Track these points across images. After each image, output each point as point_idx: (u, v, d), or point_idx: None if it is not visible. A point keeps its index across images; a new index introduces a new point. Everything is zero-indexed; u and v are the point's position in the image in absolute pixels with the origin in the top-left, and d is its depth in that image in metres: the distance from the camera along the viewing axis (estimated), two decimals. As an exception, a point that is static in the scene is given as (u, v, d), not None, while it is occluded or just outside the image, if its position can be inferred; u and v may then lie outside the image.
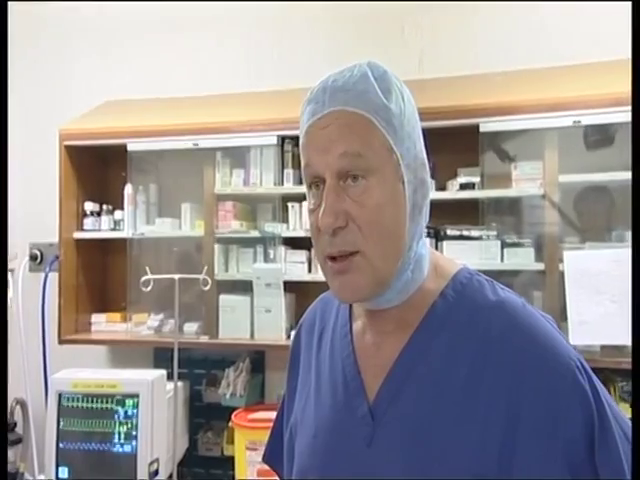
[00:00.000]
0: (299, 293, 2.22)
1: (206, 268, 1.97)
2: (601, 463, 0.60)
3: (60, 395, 1.89)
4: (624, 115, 1.75)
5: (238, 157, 2.19)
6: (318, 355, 0.83)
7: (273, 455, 0.95)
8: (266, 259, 2.15)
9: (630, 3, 1.82)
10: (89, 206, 2.36)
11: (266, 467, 1.86)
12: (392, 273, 0.68)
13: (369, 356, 0.74)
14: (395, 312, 0.73)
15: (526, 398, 0.62)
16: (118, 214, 2.35)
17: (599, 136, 1.91)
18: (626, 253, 1.75)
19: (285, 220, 2.15)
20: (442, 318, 0.70)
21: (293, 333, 2.09)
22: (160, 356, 2.38)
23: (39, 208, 2.50)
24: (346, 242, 0.66)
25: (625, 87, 1.77)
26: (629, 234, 1.83)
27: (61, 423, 1.88)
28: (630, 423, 0.65)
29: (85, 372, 1.95)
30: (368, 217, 0.65)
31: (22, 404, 2.26)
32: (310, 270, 2.13)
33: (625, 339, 1.71)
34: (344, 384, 0.75)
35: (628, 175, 1.78)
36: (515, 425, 0.62)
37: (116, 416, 1.84)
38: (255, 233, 2.16)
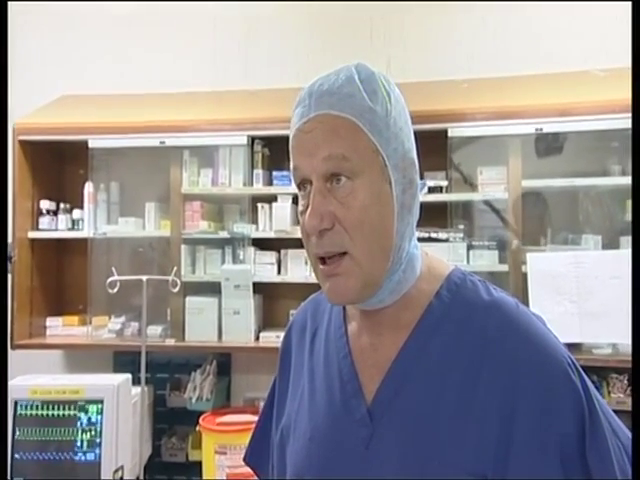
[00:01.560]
0: (268, 294, 2.21)
1: (175, 269, 1.92)
2: (591, 455, 0.63)
3: (16, 403, 1.78)
4: (583, 124, 1.85)
5: (206, 156, 2.15)
6: (311, 357, 0.82)
7: (254, 456, 0.93)
8: (235, 260, 2.12)
9: (600, 16, 1.92)
10: (45, 204, 2.25)
11: (236, 471, 1.85)
12: (381, 274, 0.69)
13: (366, 357, 0.74)
14: (391, 312, 0.73)
15: (521, 395, 0.64)
16: (76, 213, 2.25)
17: (549, 144, 2.02)
18: (583, 255, 1.85)
19: (254, 221, 2.13)
20: (438, 318, 0.71)
21: (262, 335, 2.10)
22: (120, 360, 2.30)
23: (-12, 206, 2.37)
24: (333, 243, 0.66)
25: (583, 97, 1.89)
26: (585, 237, 1.94)
27: (17, 433, 1.78)
28: (615, 416, 0.68)
29: (43, 378, 1.85)
30: (354, 218, 0.66)
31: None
32: (280, 271, 2.12)
33: (582, 337, 1.81)
34: (341, 386, 0.74)
35: (583, 181, 1.90)
36: (510, 421, 0.64)
37: (79, 423, 1.75)
38: (224, 234, 2.13)
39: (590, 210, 1.98)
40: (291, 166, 0.70)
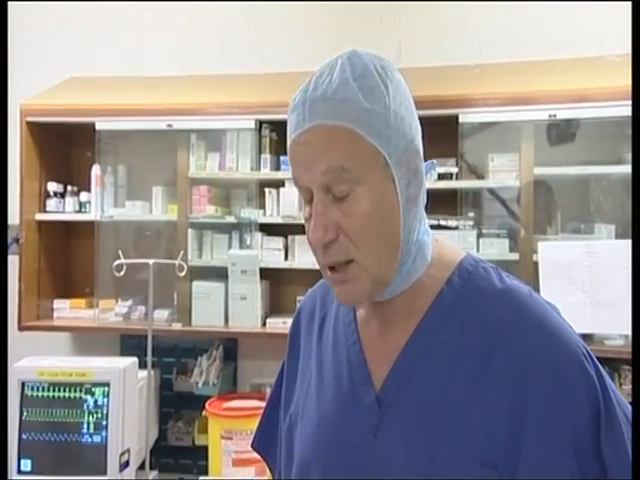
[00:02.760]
0: (275, 280, 2.20)
1: (182, 253, 1.92)
2: (606, 447, 0.61)
3: (23, 384, 1.79)
4: (597, 110, 1.81)
5: (214, 140, 2.13)
6: (319, 343, 0.81)
7: (262, 442, 0.92)
8: (242, 245, 2.11)
9: (624, 4, 1.87)
10: (52, 187, 2.25)
11: (242, 456, 1.85)
12: (391, 272, 0.68)
13: (375, 344, 0.73)
14: (401, 300, 0.72)
15: (534, 385, 0.63)
16: (84, 196, 2.25)
17: (562, 131, 1.97)
18: (595, 245, 1.82)
19: (262, 206, 2.11)
20: (449, 306, 0.70)
21: (269, 321, 2.09)
22: (127, 344, 2.31)
23: (-4, 188, 2.36)
24: (339, 253, 0.65)
25: (597, 83, 1.84)
26: (598, 226, 1.91)
27: (24, 413, 1.79)
28: (631, 407, 0.67)
29: (50, 360, 1.86)
30: (358, 228, 0.64)
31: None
32: (287, 257, 2.11)
33: (594, 328, 1.78)
34: (349, 373, 0.74)
35: (596, 169, 1.86)
36: (523, 411, 0.62)
37: (85, 405, 1.76)
38: (231, 219, 2.12)
39: (603, 199, 1.95)
40: (291, 174, 0.68)
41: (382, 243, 0.66)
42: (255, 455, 0.93)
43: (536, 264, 1.84)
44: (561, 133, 1.97)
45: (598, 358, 0.67)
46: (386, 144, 0.65)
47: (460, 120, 1.91)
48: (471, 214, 1.96)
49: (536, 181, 1.90)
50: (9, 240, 2.29)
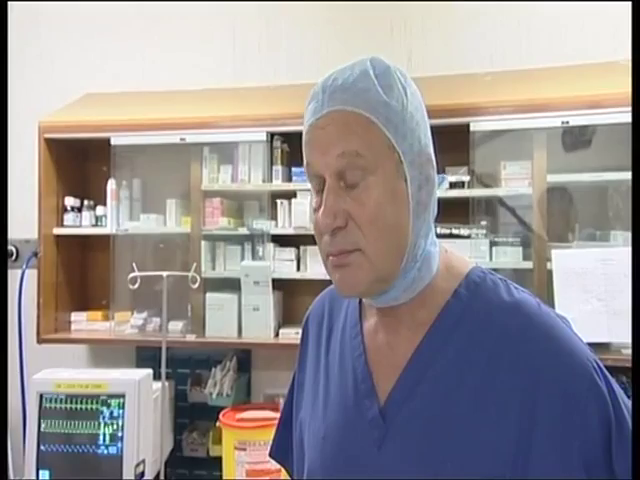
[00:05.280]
0: (287, 291, 2.21)
1: (195, 265, 1.93)
2: (619, 464, 0.60)
3: (41, 396, 1.82)
4: (611, 116, 1.79)
5: (226, 153, 2.15)
6: (327, 354, 0.81)
7: (279, 450, 0.92)
8: (254, 257, 2.12)
9: (629, 4, 1.86)
10: (69, 201, 2.29)
11: (256, 467, 1.85)
12: (394, 271, 0.67)
13: (381, 357, 0.73)
14: (406, 310, 0.71)
15: (543, 399, 0.62)
16: (100, 210, 2.29)
17: (577, 138, 1.95)
18: (611, 252, 1.79)
19: (274, 217, 2.12)
20: (456, 318, 0.69)
21: (282, 331, 2.09)
22: (143, 355, 2.33)
23: (15, 203, 2.41)
24: (346, 242, 0.65)
25: (611, 89, 1.82)
26: (614, 234, 1.88)
27: (42, 425, 1.82)
28: None
29: (68, 372, 1.89)
30: (368, 216, 0.65)
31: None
32: (299, 268, 2.12)
33: (610, 336, 1.75)
34: (354, 386, 0.74)
35: (611, 176, 1.83)
36: (531, 426, 0.61)
37: (101, 417, 1.78)
38: (243, 230, 2.13)
39: (619, 206, 1.92)
40: (304, 162, 0.68)
41: (390, 237, 0.66)
42: (269, 466, 0.93)
43: (550, 272, 1.81)
44: (576, 140, 1.95)
45: (614, 367, 0.66)
46: (401, 141, 0.66)
47: (471, 128, 1.90)
48: (483, 222, 1.95)
49: (549, 188, 1.88)
50: (27, 254, 2.34)
